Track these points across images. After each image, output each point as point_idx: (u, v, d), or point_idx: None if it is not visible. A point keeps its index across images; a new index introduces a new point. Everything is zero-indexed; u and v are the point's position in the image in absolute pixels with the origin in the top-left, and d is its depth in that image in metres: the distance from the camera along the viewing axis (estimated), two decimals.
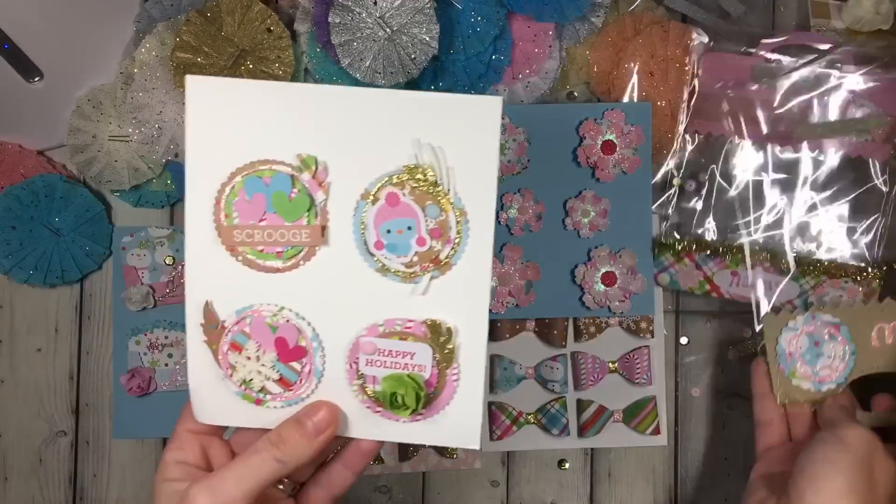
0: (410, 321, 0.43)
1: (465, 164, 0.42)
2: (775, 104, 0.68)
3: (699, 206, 0.70)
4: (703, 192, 0.70)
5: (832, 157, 0.68)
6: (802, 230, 0.69)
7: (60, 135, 0.69)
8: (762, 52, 0.69)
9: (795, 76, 0.68)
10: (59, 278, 0.69)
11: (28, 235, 0.68)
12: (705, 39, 0.69)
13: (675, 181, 0.70)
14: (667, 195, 0.70)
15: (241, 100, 0.42)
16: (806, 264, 0.67)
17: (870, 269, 0.67)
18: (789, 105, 0.68)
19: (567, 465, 0.73)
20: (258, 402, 0.45)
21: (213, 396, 0.45)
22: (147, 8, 0.69)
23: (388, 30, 0.64)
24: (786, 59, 0.68)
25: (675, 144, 0.69)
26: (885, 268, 0.67)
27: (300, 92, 0.42)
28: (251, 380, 0.44)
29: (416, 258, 0.43)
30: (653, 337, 0.71)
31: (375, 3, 0.64)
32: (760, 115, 0.68)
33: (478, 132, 0.41)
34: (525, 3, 0.67)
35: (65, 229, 0.69)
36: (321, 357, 0.44)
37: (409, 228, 0.42)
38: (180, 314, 0.72)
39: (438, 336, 0.43)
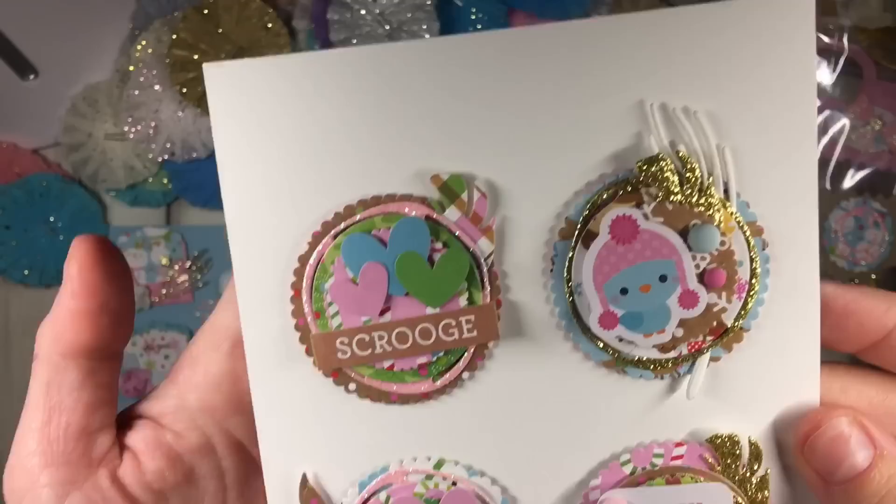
0: (678, 444, 0.25)
1: (753, 135, 0.23)
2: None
3: None
4: None
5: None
6: None
7: (55, 133, 0.69)
8: None
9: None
10: (54, 278, 0.69)
11: (23, 235, 0.68)
12: None
13: None
14: None
15: (298, 92, 0.23)
16: None
17: None
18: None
19: None
20: None
21: None
22: (143, 4, 0.68)
23: (387, 27, 0.64)
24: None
25: None
26: None
27: (409, 55, 0.23)
28: None
29: (679, 331, 0.24)
30: None
31: (375, 0, 0.63)
32: None
33: (774, 67, 0.23)
34: (527, 0, 0.66)
35: (60, 229, 0.68)
36: None
37: (664, 279, 0.24)
38: (177, 315, 0.72)
39: (735, 463, 0.25)
